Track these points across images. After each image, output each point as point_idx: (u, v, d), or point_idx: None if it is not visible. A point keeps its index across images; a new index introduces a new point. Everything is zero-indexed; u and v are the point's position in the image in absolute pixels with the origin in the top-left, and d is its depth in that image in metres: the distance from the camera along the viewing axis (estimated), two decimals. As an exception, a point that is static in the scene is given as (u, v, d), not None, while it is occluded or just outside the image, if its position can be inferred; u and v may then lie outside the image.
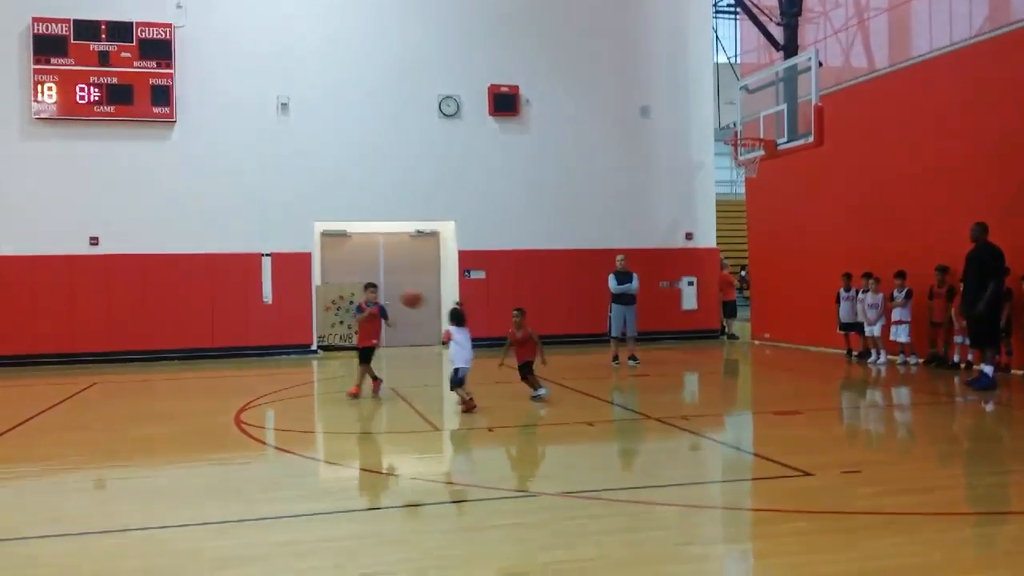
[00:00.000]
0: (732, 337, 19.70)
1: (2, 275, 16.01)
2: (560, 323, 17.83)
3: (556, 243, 18.70)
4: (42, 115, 16.31)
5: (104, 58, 16.52)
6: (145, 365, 15.96)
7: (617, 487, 6.28)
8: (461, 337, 9.54)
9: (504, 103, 18.59)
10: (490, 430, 8.73)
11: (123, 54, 16.62)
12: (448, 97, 18.36)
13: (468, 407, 9.45)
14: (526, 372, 10.32)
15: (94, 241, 16.54)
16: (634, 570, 4.44)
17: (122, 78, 16.60)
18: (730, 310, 20.23)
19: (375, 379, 11.13)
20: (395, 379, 13.01)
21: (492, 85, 18.48)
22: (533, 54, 18.83)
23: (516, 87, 18.64)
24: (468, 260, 18.35)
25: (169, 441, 8.55)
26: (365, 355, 10.99)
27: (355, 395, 10.87)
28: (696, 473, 7.18)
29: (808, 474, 6.35)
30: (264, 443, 8.68)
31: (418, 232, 19.21)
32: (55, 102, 16.34)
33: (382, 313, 11.12)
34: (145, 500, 6.17)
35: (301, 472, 7.27)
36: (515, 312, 10.36)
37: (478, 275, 18.33)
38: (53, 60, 16.31)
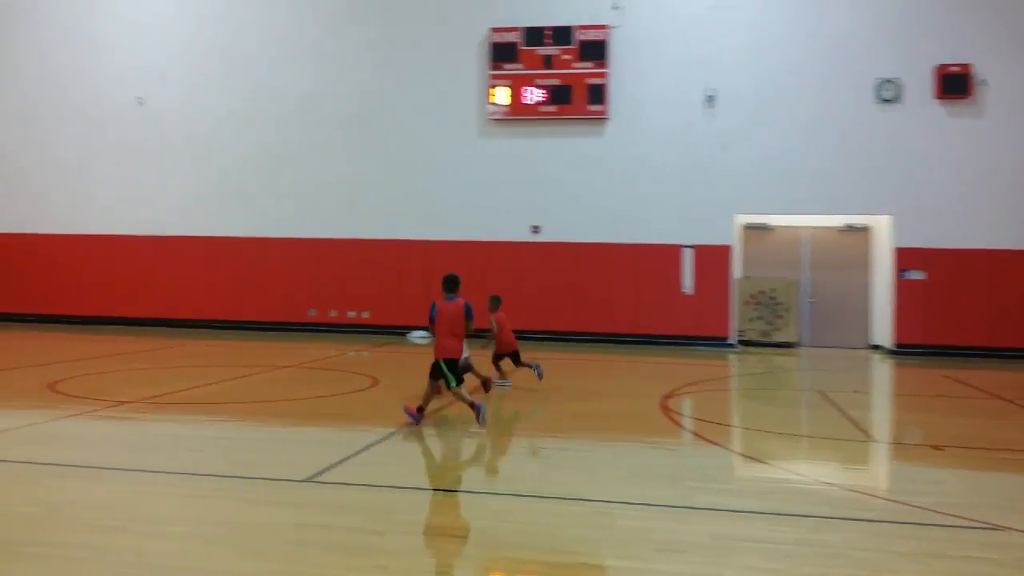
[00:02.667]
0: None
1: (460, 258, 18.25)
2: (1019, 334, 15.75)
3: (1010, 242, 16.39)
4: (495, 116, 18.23)
5: (548, 61, 17.97)
6: (570, 345, 17.13)
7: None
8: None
9: (953, 84, 16.67)
10: (937, 448, 7.90)
11: (564, 56, 17.92)
12: (887, 81, 16.96)
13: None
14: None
15: (535, 229, 18.12)
16: None
17: (563, 79, 17.92)
18: None
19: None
20: (824, 383, 12.40)
21: (939, 65, 16.69)
22: (990, 27, 16.62)
23: (968, 66, 16.62)
24: (906, 259, 16.83)
25: (599, 418, 9.05)
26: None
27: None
28: None
29: None
30: (690, 432, 8.80)
31: (848, 227, 18.08)
32: (507, 104, 18.17)
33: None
34: (585, 473, 6.58)
35: (729, 466, 7.24)
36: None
37: (917, 275, 16.73)
38: (505, 66, 18.14)
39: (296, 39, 19.08)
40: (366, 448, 7.25)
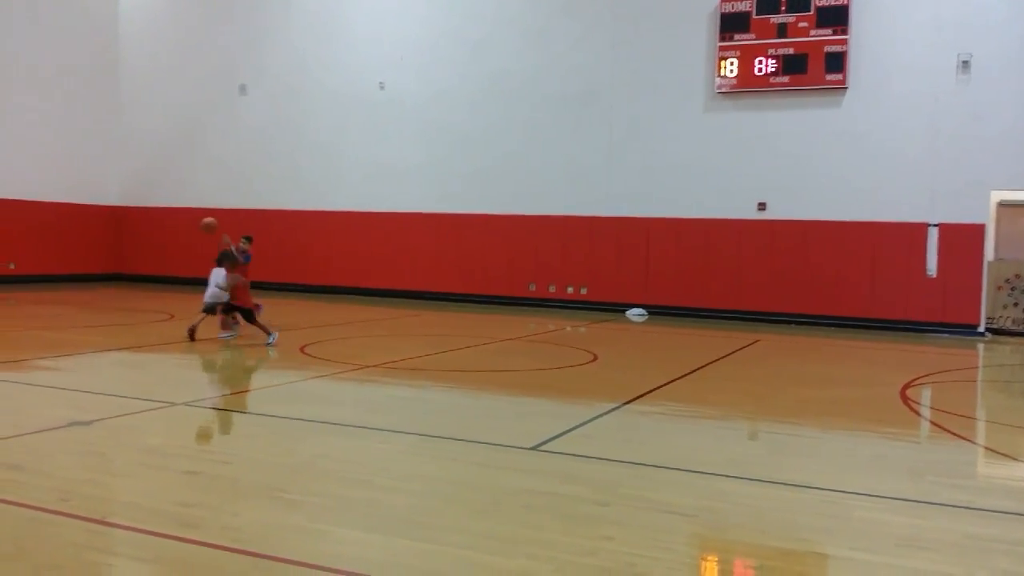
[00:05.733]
0: None
1: (680, 236, 17.96)
2: None
3: None
4: (723, 88, 17.69)
5: (782, 30, 17.15)
6: (802, 328, 16.40)
7: None
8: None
9: None
10: None
11: (800, 24, 17.03)
12: None
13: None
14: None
15: (761, 207, 17.46)
16: None
17: (798, 48, 17.05)
18: None
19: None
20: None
21: None
22: None
23: None
24: None
25: (831, 404, 8.63)
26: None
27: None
28: None
29: None
30: (932, 424, 8.18)
31: None
32: (735, 76, 17.56)
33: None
34: (816, 461, 6.31)
35: (976, 461, 6.68)
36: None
37: None
38: (736, 36, 17.51)
39: (524, 20, 19.47)
40: (590, 420, 7.36)
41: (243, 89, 22.33)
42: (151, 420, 7.01)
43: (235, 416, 7.21)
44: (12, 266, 20.11)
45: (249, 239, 13.58)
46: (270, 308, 14.38)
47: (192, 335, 11.49)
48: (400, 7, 20.68)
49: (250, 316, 11.87)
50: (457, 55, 20.07)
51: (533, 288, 19.37)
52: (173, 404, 7.55)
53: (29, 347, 10.93)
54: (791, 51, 17.10)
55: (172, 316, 14.86)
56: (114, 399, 7.73)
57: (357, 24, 21.15)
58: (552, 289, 19.22)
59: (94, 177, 23.36)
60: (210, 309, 11.89)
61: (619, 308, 18.22)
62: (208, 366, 10.45)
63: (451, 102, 20.12)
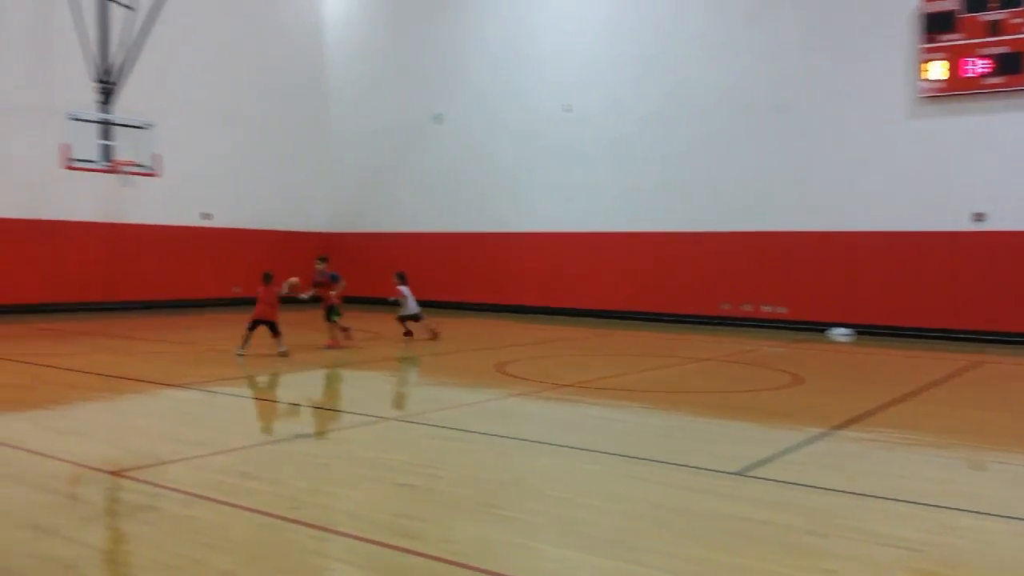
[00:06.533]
0: None
1: (886, 250, 16.93)
2: None
3: None
4: (928, 93, 16.55)
5: (994, 28, 15.86)
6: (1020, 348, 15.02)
7: None
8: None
9: None
10: None
11: (1014, 20, 15.69)
12: None
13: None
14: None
15: (978, 217, 16.14)
16: None
17: (1014, 46, 15.70)
18: None
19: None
20: None
21: None
22: None
23: None
24: None
25: (1073, 436, 7.82)
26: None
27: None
28: None
29: None
30: None
31: None
32: (942, 78, 16.40)
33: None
34: (1061, 496, 5.74)
35: None
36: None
37: None
38: (941, 37, 16.37)
39: (712, 34, 19.14)
40: (797, 446, 7.06)
41: (439, 118, 23.31)
42: (365, 433, 7.43)
43: (441, 431, 7.49)
44: (237, 290, 21.91)
45: (323, 259, 14.34)
46: (463, 327, 14.86)
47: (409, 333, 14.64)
48: (582, 29, 20.92)
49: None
50: (640, 72, 20.00)
51: (726, 307, 18.87)
52: (383, 419, 7.96)
53: (252, 364, 11.86)
54: (1006, 50, 15.76)
55: (376, 335, 15.67)
56: (330, 413, 8.25)
57: (541, 51, 21.58)
58: (747, 307, 18.66)
59: (305, 205, 25.14)
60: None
61: (819, 327, 17.37)
62: (411, 383, 10.94)
63: (636, 119, 20.06)
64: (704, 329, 18.08)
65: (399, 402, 9.23)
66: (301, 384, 10.70)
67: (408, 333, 14.94)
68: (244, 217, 23.35)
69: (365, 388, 10.29)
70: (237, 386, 10.14)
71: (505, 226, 22.11)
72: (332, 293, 13.58)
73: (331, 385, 10.73)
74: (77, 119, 17.59)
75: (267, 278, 12.47)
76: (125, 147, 18.19)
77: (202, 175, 22.28)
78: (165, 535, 4.67)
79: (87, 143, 17.73)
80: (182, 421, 8.01)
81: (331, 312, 13.51)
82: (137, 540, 4.67)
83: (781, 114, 18.19)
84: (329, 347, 13.30)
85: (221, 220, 22.84)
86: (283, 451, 6.77)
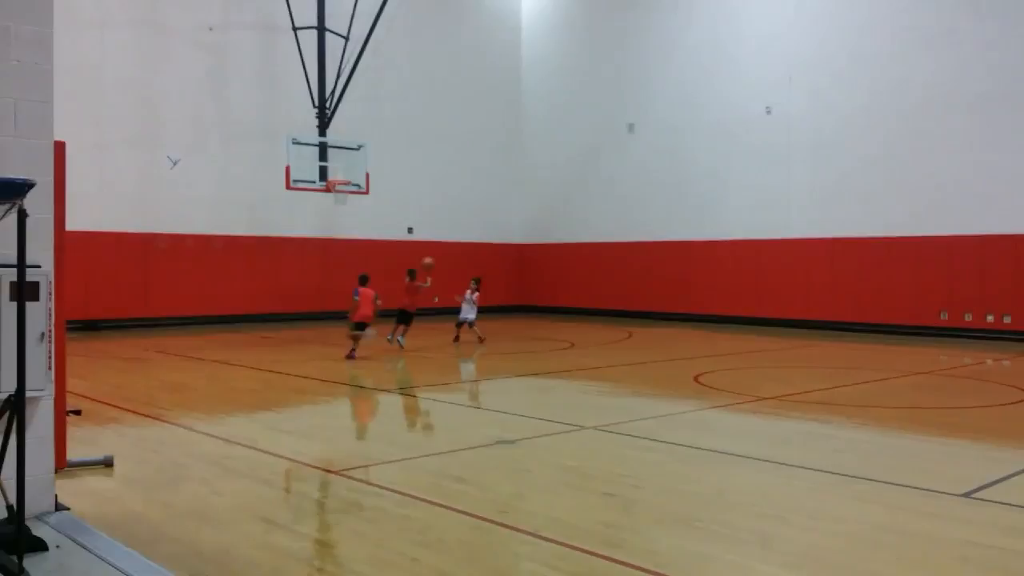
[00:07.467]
0: None
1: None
2: None
3: None
4: None
5: None
6: None
7: None
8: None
9: None
10: None
11: None
12: None
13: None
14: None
15: None
16: None
17: None
18: None
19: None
20: None
21: None
22: None
23: None
24: None
25: None
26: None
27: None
28: None
29: None
30: None
31: None
32: None
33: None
34: None
35: None
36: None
37: None
38: None
39: (926, 26, 17.91)
40: (1032, 469, 6.47)
41: (631, 128, 23.27)
42: (565, 441, 7.54)
43: (641, 441, 7.47)
44: (436, 300, 22.82)
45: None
46: (655, 337, 14.70)
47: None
48: (788, 29, 20.15)
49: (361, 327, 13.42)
50: (851, 70, 19.01)
51: (945, 316, 17.55)
52: (582, 427, 8.04)
53: (453, 372, 12.33)
54: None
55: (572, 344, 15.84)
56: (531, 420, 8.44)
57: (742, 51, 21.00)
58: (968, 317, 17.26)
59: (501, 217, 25.85)
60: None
61: (1054, 339, 15.80)
62: (606, 393, 10.96)
63: (843, 120, 19.09)
64: (919, 340, 16.89)
65: (597, 411, 9.28)
66: (496, 391, 11.02)
67: (457, 338, 16.05)
68: (444, 231, 24.32)
69: (561, 396, 10.44)
70: (437, 392, 10.59)
71: (699, 233, 21.70)
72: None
73: (527, 393, 10.96)
74: (298, 143, 19.06)
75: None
76: (338, 168, 19.53)
77: (406, 192, 23.44)
78: (383, 533, 4.96)
79: (306, 165, 19.18)
80: (391, 424, 8.46)
81: (359, 326, 13.52)
82: (357, 536, 4.99)
83: (1014, 105, 16.68)
84: (348, 358, 13.28)
85: (421, 234, 23.91)
86: (487, 456, 7.00)
